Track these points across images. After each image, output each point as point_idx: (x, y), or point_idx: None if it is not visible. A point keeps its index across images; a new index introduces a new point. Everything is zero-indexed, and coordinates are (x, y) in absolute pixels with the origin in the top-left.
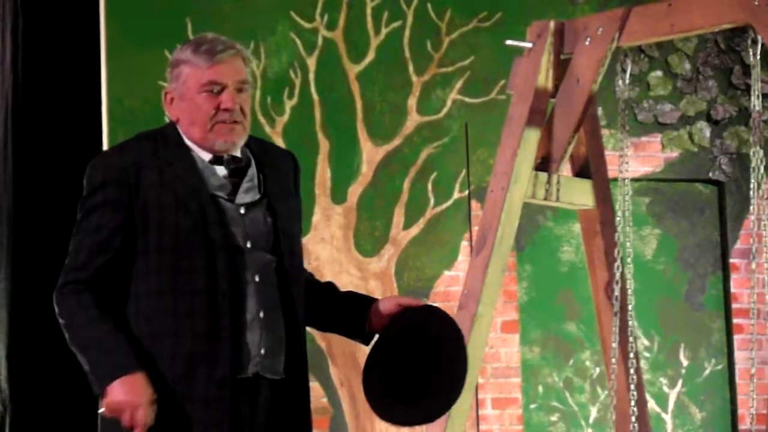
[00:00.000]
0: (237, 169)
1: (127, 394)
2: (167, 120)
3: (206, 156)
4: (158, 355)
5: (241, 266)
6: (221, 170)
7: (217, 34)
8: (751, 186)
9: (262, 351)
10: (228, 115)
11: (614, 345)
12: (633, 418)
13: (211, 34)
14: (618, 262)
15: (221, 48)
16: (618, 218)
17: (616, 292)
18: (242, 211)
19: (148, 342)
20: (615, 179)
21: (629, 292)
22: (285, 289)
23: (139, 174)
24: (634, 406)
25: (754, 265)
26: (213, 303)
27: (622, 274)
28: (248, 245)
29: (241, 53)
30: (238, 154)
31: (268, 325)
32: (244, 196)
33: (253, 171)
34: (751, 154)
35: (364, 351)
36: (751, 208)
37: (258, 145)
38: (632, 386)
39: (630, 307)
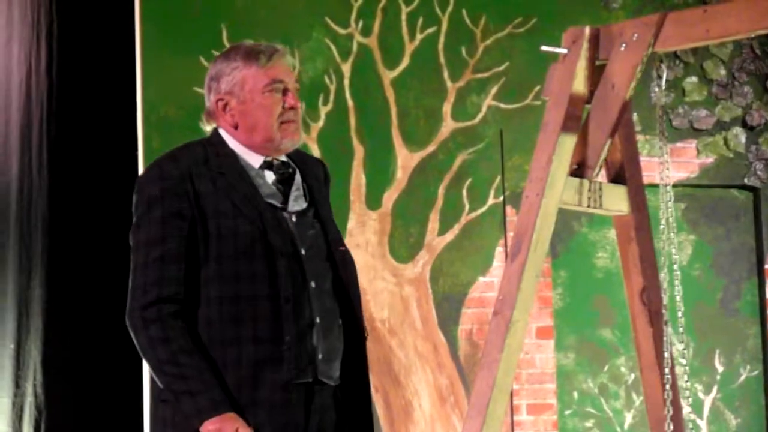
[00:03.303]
0: (285, 176)
1: (225, 421)
2: (201, 125)
3: (256, 162)
4: (221, 362)
5: (299, 272)
6: (270, 176)
7: (252, 41)
8: None
9: (320, 356)
10: (293, 113)
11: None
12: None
13: (248, 41)
14: (665, 270)
15: (272, 50)
16: (662, 226)
17: (665, 301)
18: (293, 219)
19: (209, 349)
20: (651, 185)
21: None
22: (342, 296)
23: (194, 182)
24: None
25: None
26: (276, 308)
27: (671, 281)
28: (303, 252)
29: (288, 56)
30: (284, 159)
31: (324, 331)
32: (294, 204)
33: (299, 179)
34: None
35: (399, 357)
36: None
37: (295, 154)
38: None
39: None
